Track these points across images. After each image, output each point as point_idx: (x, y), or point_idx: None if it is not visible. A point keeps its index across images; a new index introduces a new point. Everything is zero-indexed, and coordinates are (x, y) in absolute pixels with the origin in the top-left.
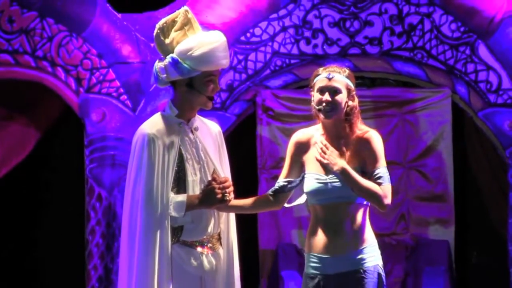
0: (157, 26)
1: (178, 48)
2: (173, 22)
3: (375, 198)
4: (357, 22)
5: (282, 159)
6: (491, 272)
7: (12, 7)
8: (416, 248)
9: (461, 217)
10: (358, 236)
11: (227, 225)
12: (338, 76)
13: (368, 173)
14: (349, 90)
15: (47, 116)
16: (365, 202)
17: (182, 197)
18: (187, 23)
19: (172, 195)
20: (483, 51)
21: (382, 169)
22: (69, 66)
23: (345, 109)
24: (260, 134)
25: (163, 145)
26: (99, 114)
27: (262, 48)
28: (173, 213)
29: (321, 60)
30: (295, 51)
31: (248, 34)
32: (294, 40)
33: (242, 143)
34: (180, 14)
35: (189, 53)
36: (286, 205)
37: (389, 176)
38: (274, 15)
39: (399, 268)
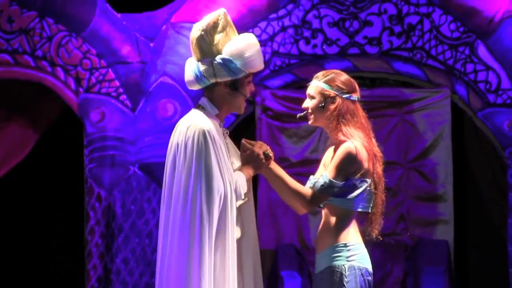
0: (199, 28)
1: (228, 49)
2: (214, 24)
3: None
4: (356, 22)
5: (282, 159)
6: (491, 272)
7: (12, 7)
8: (416, 248)
9: (461, 217)
10: (330, 236)
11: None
12: (314, 82)
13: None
14: (323, 95)
15: (47, 116)
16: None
17: (240, 174)
18: (227, 25)
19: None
20: (482, 51)
21: (323, 177)
22: (69, 66)
23: (325, 114)
24: (259, 134)
25: (218, 142)
26: (99, 114)
27: (262, 48)
28: (243, 191)
29: (320, 60)
30: (294, 51)
31: None
32: (294, 40)
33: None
34: (220, 16)
35: (239, 53)
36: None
37: (327, 188)
38: (274, 15)
39: (399, 268)
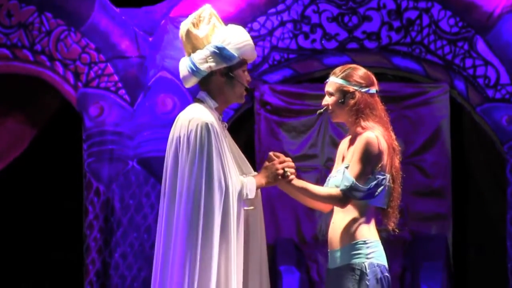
0: (187, 22)
1: (219, 37)
2: (200, 17)
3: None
4: (355, 17)
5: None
6: (489, 268)
7: (11, 1)
8: (414, 243)
9: (459, 213)
10: (349, 232)
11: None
12: (332, 79)
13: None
14: (342, 91)
15: (45, 111)
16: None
17: (250, 179)
18: (213, 17)
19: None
20: (481, 46)
21: (347, 179)
22: (67, 61)
23: (345, 109)
24: (258, 128)
25: (220, 135)
26: (97, 109)
27: (261, 43)
28: (249, 195)
29: (319, 55)
30: (293, 45)
31: (247, 29)
32: (293, 35)
33: (240, 138)
34: (205, 10)
35: (231, 40)
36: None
37: (351, 190)
38: (273, 10)
39: (397, 263)
